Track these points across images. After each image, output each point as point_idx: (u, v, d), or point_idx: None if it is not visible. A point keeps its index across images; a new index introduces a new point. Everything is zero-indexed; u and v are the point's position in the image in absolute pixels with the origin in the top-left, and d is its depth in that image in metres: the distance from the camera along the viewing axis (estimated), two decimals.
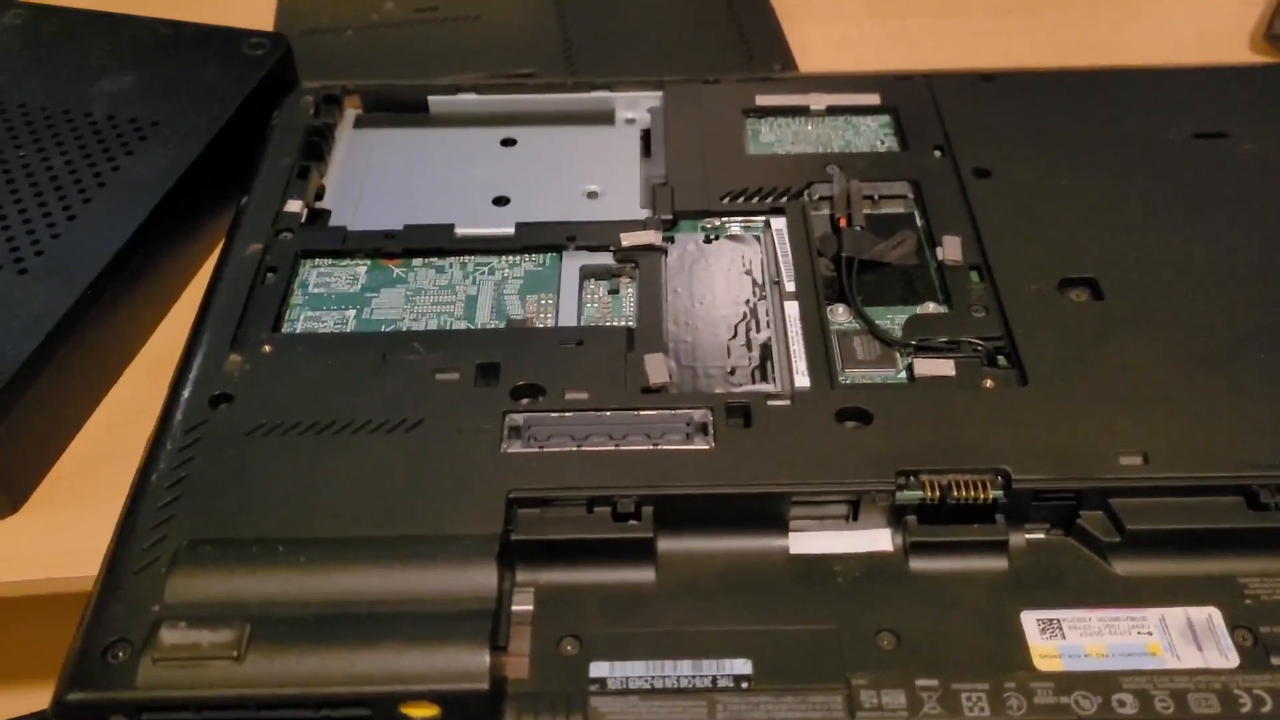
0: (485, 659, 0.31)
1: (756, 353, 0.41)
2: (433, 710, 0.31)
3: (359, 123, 0.53)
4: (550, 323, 0.42)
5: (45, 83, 0.52)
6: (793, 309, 0.42)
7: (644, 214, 0.46)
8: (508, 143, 0.51)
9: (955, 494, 0.35)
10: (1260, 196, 0.45)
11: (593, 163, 0.50)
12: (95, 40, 0.55)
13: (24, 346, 0.40)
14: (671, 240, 0.45)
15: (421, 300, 0.43)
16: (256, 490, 0.35)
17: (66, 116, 0.50)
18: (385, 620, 0.32)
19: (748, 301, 0.43)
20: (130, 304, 0.46)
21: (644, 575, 0.35)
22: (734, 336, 0.42)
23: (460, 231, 0.45)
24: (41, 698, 0.32)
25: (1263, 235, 0.43)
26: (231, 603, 0.32)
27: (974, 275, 0.42)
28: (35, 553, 0.40)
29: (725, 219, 0.46)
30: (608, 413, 0.37)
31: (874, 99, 0.51)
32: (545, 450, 0.36)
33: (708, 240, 0.46)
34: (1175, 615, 0.34)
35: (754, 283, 0.44)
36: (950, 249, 0.43)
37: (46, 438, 0.43)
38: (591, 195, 0.48)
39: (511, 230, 0.45)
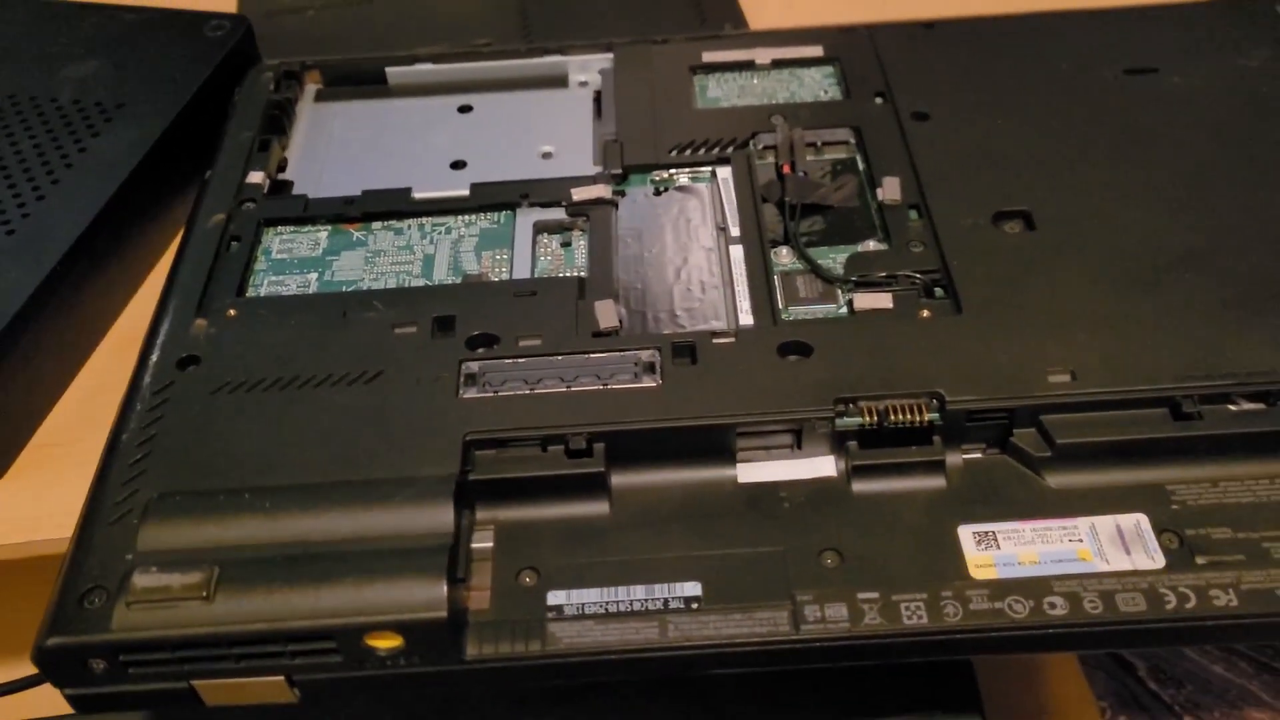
0: (443, 589, 0.32)
1: (704, 295, 0.42)
2: (396, 641, 0.33)
3: (320, 97, 0.54)
4: (505, 277, 0.44)
5: (11, 70, 0.54)
6: (738, 252, 0.43)
7: (596, 171, 0.48)
8: (464, 109, 0.52)
9: (892, 418, 0.36)
10: (1187, 127, 0.46)
11: (547, 125, 0.51)
12: (60, 27, 0.56)
13: None
14: (622, 194, 0.47)
15: (381, 261, 0.44)
16: (224, 444, 0.37)
17: (33, 102, 0.52)
18: (348, 558, 0.33)
19: (695, 248, 0.44)
20: (100, 279, 0.47)
21: (599, 508, 0.36)
22: (681, 281, 0.43)
23: (418, 195, 0.47)
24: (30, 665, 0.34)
25: (1190, 164, 0.44)
26: (202, 549, 0.34)
27: (913, 213, 0.44)
28: (16, 518, 0.42)
29: (674, 171, 0.47)
30: (559, 357, 0.39)
31: (818, 51, 0.52)
32: (500, 394, 0.38)
33: (657, 193, 0.47)
34: (1105, 523, 0.35)
35: (701, 230, 0.45)
36: (890, 189, 0.44)
37: (23, 409, 0.44)
38: (546, 156, 0.49)
39: (467, 191, 0.47)
